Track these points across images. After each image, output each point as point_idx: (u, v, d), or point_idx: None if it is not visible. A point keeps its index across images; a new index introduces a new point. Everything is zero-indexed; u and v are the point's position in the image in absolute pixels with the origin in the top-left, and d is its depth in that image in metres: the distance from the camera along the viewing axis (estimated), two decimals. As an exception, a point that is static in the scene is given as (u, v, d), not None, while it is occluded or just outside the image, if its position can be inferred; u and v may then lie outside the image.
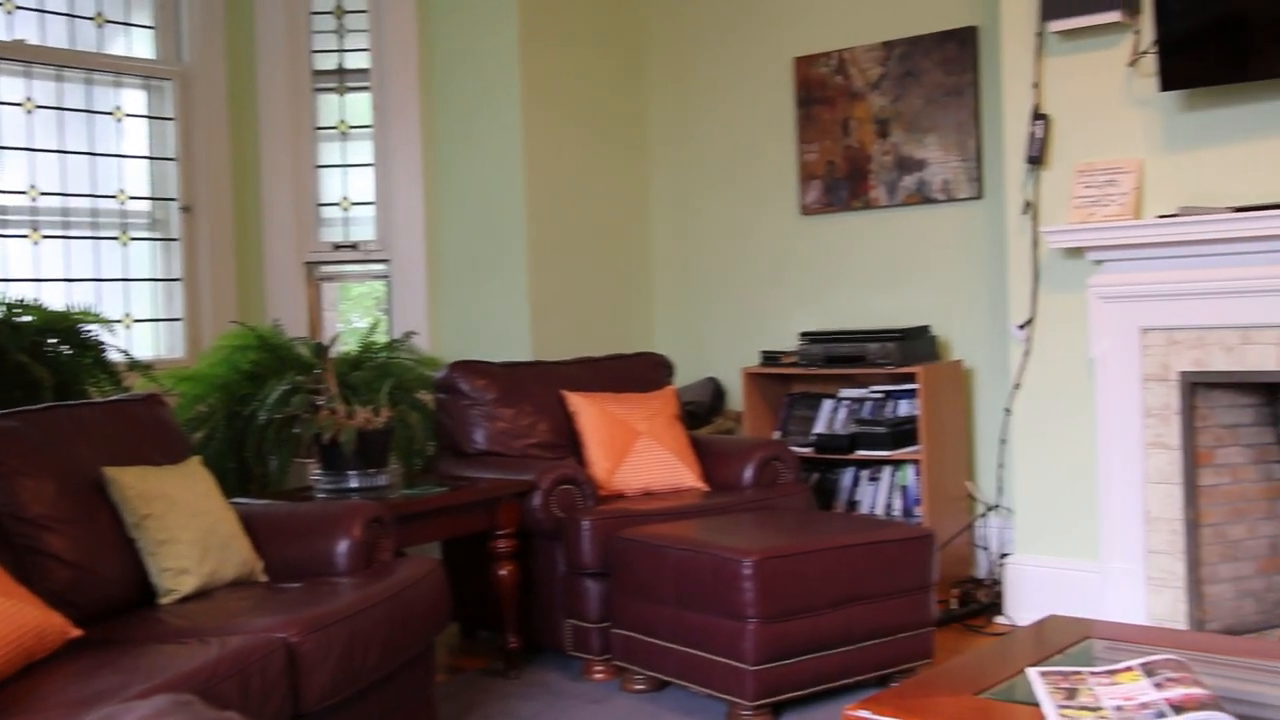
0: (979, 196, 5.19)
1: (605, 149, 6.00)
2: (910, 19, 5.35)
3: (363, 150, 5.69)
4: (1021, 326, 4.62)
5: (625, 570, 3.92)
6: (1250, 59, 4.00)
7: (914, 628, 3.80)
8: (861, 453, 5.09)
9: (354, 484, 3.99)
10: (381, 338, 5.27)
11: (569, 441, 4.63)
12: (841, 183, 5.57)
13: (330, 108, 5.69)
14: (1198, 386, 4.19)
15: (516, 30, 5.54)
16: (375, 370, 4.82)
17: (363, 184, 5.69)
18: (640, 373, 5.02)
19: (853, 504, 5.22)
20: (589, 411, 4.62)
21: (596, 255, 5.93)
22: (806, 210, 5.70)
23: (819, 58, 5.61)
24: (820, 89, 5.61)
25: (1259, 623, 4.28)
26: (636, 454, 4.55)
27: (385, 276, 5.70)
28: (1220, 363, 4.11)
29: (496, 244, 5.62)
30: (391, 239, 5.66)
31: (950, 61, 5.24)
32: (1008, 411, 4.72)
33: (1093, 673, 2.35)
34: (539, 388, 4.72)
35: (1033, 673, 2.38)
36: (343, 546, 3.39)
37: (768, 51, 5.79)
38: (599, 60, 5.98)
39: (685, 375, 5.70)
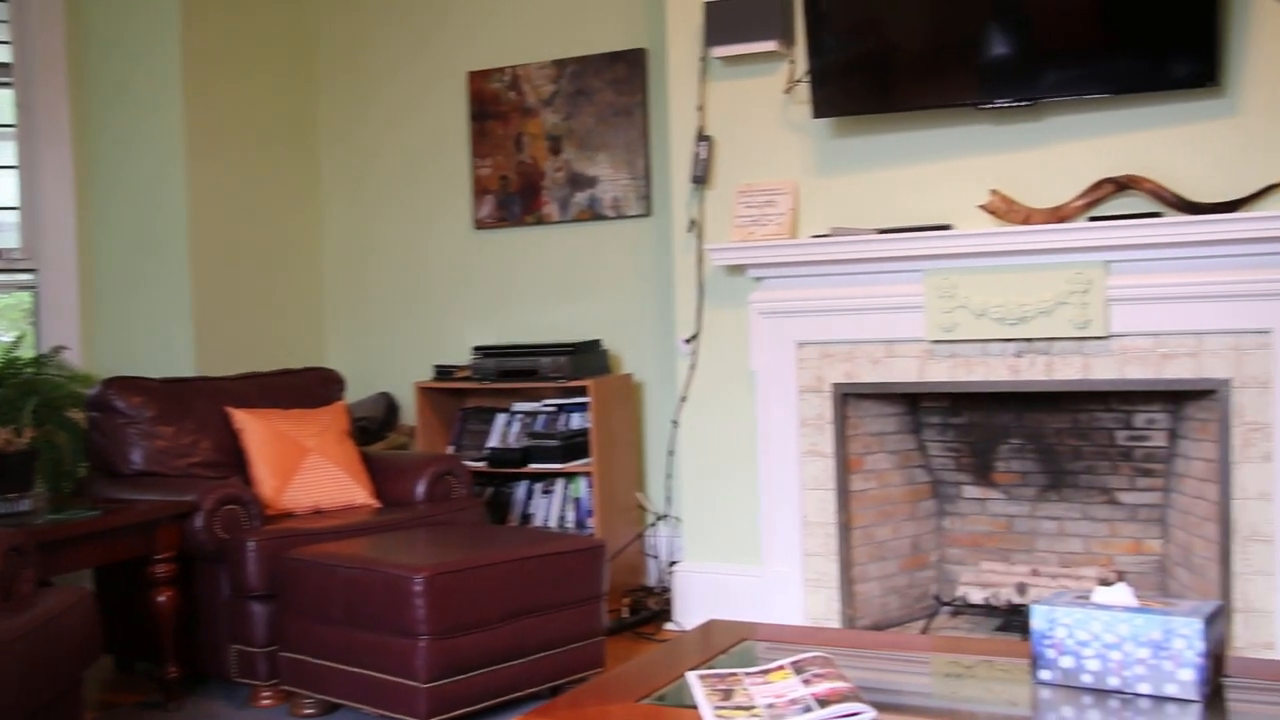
0: (648, 214, 5.34)
1: (274, 156, 5.82)
2: (581, 39, 5.45)
3: (4, 151, 5.30)
4: (687, 341, 4.78)
5: (293, 591, 3.80)
6: (894, 91, 4.29)
7: (586, 637, 3.86)
8: (534, 466, 5.13)
9: (-7, 510, 3.72)
10: (28, 352, 4.93)
11: (234, 460, 4.46)
12: (515, 198, 5.61)
13: (-33, 105, 5.29)
14: (849, 397, 4.45)
15: (178, 28, 5.30)
16: (18, 388, 4.50)
17: (5, 187, 5.31)
18: (310, 388, 4.90)
19: (526, 517, 5.26)
20: (255, 428, 4.47)
21: (265, 267, 5.75)
22: (480, 225, 5.70)
23: (493, 73, 5.63)
24: (494, 104, 5.64)
25: (902, 617, 4.58)
26: (305, 471, 4.44)
27: (32, 287, 5.33)
28: (868, 374, 4.38)
29: (157, 254, 5.36)
30: (39, 247, 5.30)
31: (620, 82, 5.37)
32: (675, 423, 4.87)
33: (748, 673, 2.46)
34: (202, 404, 4.53)
35: (692, 676, 2.47)
36: (-23, 579, 3.15)
37: (442, 64, 5.77)
38: (268, 65, 5.79)
39: (358, 390, 5.60)
